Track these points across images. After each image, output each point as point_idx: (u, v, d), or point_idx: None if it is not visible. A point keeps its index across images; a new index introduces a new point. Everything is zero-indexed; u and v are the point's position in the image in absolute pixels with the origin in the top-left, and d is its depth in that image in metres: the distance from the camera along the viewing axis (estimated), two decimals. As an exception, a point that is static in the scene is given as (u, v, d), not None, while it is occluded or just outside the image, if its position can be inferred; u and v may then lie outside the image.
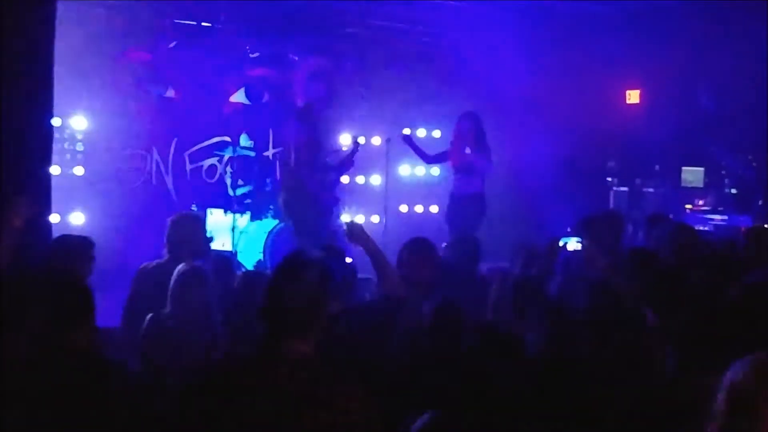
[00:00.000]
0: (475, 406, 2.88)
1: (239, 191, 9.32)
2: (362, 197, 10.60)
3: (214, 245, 9.06)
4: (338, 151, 9.24)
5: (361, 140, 8.88)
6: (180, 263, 4.77)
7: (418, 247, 4.94)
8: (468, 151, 8.42)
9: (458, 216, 8.41)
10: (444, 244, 6.02)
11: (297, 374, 2.57)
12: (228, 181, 9.42)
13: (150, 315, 4.50)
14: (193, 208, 9.17)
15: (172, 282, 4.51)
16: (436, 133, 10.73)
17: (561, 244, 4.82)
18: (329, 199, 8.14)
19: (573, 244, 5.04)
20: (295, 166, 7.87)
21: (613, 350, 3.57)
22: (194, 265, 4.56)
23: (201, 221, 5.57)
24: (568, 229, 5.27)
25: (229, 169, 9.31)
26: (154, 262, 5.36)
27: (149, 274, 5.22)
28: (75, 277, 3.86)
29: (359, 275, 5.16)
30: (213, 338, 4.37)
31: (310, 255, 2.80)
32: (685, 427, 2.97)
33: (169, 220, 5.47)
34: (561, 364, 3.53)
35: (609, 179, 10.70)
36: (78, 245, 4.92)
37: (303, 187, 7.84)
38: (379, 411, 2.64)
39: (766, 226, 7.22)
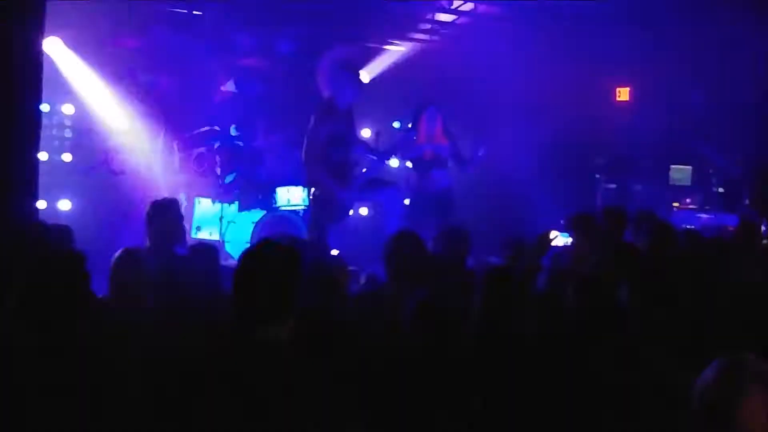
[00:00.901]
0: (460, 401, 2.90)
1: (227, 180, 9.30)
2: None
3: (202, 234, 9.08)
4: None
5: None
6: (160, 251, 4.75)
7: (405, 240, 4.92)
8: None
9: (438, 211, 8.08)
10: (433, 236, 5.98)
11: (270, 359, 2.57)
12: (218, 170, 9.39)
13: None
14: (181, 197, 9.15)
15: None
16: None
17: (552, 237, 4.81)
18: (352, 201, 8.09)
19: (562, 239, 5.05)
20: (323, 173, 7.51)
21: (600, 346, 3.58)
22: (129, 248, 4.50)
23: (176, 208, 5.54)
24: (562, 222, 5.27)
25: (219, 156, 9.27)
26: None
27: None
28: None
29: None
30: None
31: (278, 241, 2.80)
32: (673, 423, 3.00)
33: (147, 209, 5.47)
34: (549, 359, 3.54)
35: (597, 176, 10.72)
36: (57, 234, 4.91)
37: (333, 199, 7.63)
38: (358, 398, 2.65)
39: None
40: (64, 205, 9.00)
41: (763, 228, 7.03)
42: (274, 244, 2.75)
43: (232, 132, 9.35)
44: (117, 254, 4.31)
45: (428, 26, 10.41)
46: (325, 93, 8.01)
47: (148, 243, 5.34)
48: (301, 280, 2.69)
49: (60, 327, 3.01)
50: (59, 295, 3.06)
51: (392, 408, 3.31)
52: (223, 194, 9.13)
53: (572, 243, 5.02)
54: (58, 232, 4.97)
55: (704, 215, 9.58)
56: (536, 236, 4.79)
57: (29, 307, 3.03)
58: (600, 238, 5.30)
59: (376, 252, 4.83)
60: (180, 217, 5.57)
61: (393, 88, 10.44)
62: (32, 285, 3.07)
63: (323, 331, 3.37)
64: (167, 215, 5.39)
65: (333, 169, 7.58)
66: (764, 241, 5.86)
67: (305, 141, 7.60)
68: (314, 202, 7.78)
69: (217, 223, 9.00)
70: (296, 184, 9.25)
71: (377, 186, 8.15)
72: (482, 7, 9.53)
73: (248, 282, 2.65)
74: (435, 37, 10.63)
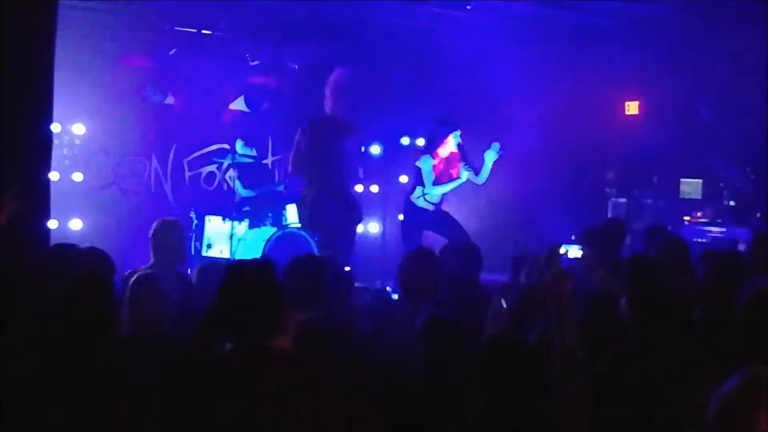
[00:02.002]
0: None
1: (237, 197, 9.33)
2: (361, 205, 10.62)
3: (212, 252, 9.09)
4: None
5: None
6: (166, 269, 4.77)
7: (420, 259, 4.93)
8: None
9: (443, 224, 8.18)
10: (442, 251, 5.96)
11: (262, 370, 2.65)
12: (235, 185, 9.41)
13: None
14: (191, 216, 9.17)
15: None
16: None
17: (562, 251, 4.79)
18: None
19: (574, 251, 5.03)
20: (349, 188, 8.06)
21: (607, 362, 3.57)
22: (148, 272, 4.54)
23: (179, 228, 5.60)
24: (573, 237, 5.27)
25: (230, 174, 9.30)
26: (141, 268, 5.38)
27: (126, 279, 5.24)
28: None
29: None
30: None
31: (257, 259, 2.88)
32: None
33: (152, 228, 5.52)
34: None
35: (607, 190, 10.68)
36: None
37: (357, 209, 8.18)
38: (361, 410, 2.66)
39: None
40: (76, 224, 9.02)
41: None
42: (251, 264, 2.88)
43: (238, 147, 9.35)
44: (133, 280, 4.34)
45: (435, 39, 10.41)
46: (330, 111, 8.32)
47: (151, 260, 5.39)
48: (281, 293, 2.78)
49: (86, 350, 3.00)
50: (85, 319, 3.05)
51: (397, 422, 3.31)
52: (233, 212, 9.15)
53: (582, 256, 5.01)
54: (93, 256, 4.99)
55: (715, 229, 9.52)
56: (545, 250, 4.77)
57: (54, 329, 3.04)
58: (609, 251, 5.29)
59: (385, 268, 4.84)
60: (183, 237, 5.62)
61: (402, 105, 10.45)
62: (57, 307, 3.08)
63: (323, 342, 3.39)
64: (171, 235, 5.43)
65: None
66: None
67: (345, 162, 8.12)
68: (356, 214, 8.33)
69: (228, 240, 9.00)
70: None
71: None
72: (493, 22, 9.54)
73: (228, 300, 2.77)
74: (443, 53, 10.64)
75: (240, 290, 2.75)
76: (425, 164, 8.11)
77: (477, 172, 8.25)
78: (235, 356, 2.71)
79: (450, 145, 8.15)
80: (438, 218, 8.24)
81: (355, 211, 8.41)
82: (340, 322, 3.99)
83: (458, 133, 8.15)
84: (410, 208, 8.23)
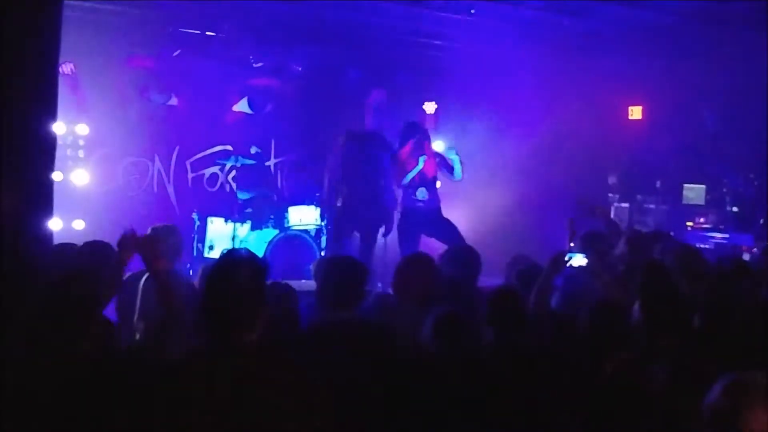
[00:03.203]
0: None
1: (240, 199, 9.34)
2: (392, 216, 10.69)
3: (215, 254, 9.09)
4: None
5: None
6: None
7: (418, 263, 4.92)
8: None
9: (440, 228, 8.26)
10: (441, 255, 5.96)
11: (243, 363, 2.70)
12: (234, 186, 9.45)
13: None
14: (194, 217, 9.18)
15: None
16: (439, 145, 10.72)
17: (567, 258, 4.80)
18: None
19: (578, 259, 5.02)
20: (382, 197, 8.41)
21: (611, 368, 3.57)
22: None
23: (175, 230, 5.62)
24: (571, 245, 5.26)
25: (232, 175, 9.32)
26: (139, 271, 5.38)
27: (133, 283, 5.24)
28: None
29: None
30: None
31: (242, 254, 2.93)
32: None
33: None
34: (559, 377, 3.53)
35: (610, 195, 10.68)
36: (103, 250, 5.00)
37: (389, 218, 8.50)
38: (330, 399, 2.73)
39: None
40: (78, 224, 9.03)
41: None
42: (239, 259, 2.88)
43: (253, 152, 9.41)
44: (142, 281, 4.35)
45: (438, 43, 10.41)
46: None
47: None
48: (264, 290, 2.84)
49: (63, 344, 3.05)
50: (63, 315, 3.10)
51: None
52: (235, 214, 9.16)
53: (587, 262, 5.00)
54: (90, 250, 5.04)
55: (718, 235, 9.51)
56: (550, 257, 4.77)
57: (38, 324, 3.08)
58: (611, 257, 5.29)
59: (387, 271, 4.85)
60: (180, 241, 5.62)
61: (406, 108, 10.45)
62: (41, 304, 3.11)
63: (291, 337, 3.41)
64: (168, 240, 5.42)
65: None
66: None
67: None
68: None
69: (230, 242, 9.01)
70: (308, 204, 9.28)
71: None
72: (498, 27, 9.54)
73: (216, 296, 2.81)
74: (448, 57, 10.64)
75: (228, 285, 2.80)
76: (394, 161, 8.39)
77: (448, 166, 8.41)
78: (208, 351, 2.77)
79: (409, 148, 8.28)
80: (434, 221, 8.27)
81: (386, 220, 8.56)
82: (377, 324, 4.06)
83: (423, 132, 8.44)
84: (405, 212, 8.29)
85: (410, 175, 8.22)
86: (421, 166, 8.21)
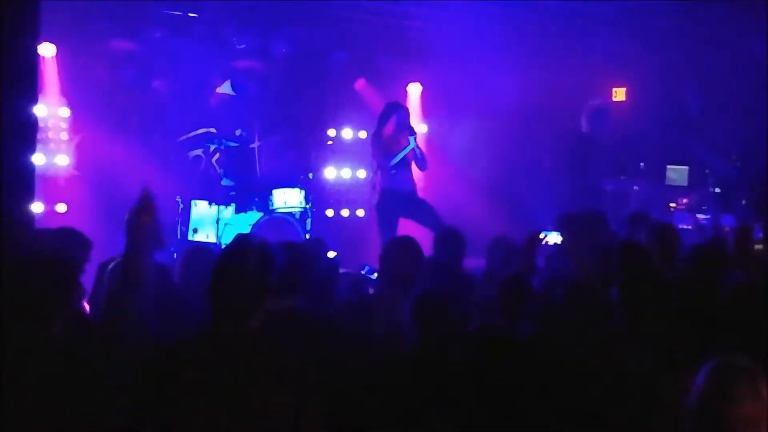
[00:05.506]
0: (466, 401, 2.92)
1: (224, 182, 9.31)
2: (348, 191, 10.64)
3: (198, 237, 9.07)
4: None
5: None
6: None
7: (402, 245, 4.91)
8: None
9: (418, 210, 8.29)
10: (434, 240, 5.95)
11: (246, 348, 2.74)
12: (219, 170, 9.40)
13: None
14: (177, 200, 9.14)
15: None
16: (424, 128, 10.72)
17: (542, 236, 4.81)
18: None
19: (554, 237, 5.04)
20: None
21: (587, 347, 3.59)
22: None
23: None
24: (553, 224, 5.29)
25: (216, 158, 9.27)
26: (108, 259, 5.35)
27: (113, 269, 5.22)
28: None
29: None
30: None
31: (253, 240, 2.96)
32: (660, 424, 3.03)
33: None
34: (549, 360, 3.54)
35: (594, 176, 10.69)
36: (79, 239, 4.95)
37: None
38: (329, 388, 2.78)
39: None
40: (61, 207, 8.98)
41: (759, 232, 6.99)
42: (249, 245, 2.91)
43: (237, 134, 9.36)
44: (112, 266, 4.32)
45: (420, 24, 10.37)
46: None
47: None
48: (270, 277, 2.86)
49: (34, 328, 3.03)
50: (34, 298, 3.07)
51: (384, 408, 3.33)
52: (219, 196, 9.13)
53: (562, 242, 5.02)
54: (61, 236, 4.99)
55: (701, 215, 9.56)
56: (527, 235, 4.78)
57: (8, 308, 3.05)
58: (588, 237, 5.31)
59: (371, 251, 4.84)
60: (159, 225, 5.57)
61: (390, 91, 10.42)
62: (12, 286, 3.09)
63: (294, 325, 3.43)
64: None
65: None
66: (757, 246, 5.83)
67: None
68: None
69: (214, 225, 8.99)
70: (293, 187, 9.27)
71: None
72: (480, 9, 9.52)
73: (224, 280, 2.83)
74: (431, 38, 10.60)
75: (235, 271, 2.83)
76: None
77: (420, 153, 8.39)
78: (208, 334, 2.79)
79: (392, 125, 8.28)
80: (413, 204, 8.28)
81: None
82: (322, 314, 4.00)
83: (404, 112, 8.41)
84: (383, 194, 8.28)
85: (399, 156, 8.20)
86: (412, 145, 8.18)
